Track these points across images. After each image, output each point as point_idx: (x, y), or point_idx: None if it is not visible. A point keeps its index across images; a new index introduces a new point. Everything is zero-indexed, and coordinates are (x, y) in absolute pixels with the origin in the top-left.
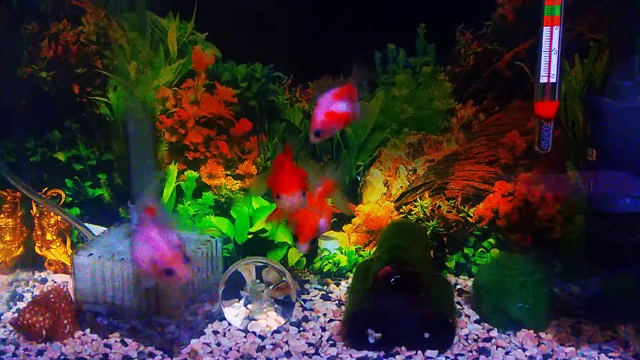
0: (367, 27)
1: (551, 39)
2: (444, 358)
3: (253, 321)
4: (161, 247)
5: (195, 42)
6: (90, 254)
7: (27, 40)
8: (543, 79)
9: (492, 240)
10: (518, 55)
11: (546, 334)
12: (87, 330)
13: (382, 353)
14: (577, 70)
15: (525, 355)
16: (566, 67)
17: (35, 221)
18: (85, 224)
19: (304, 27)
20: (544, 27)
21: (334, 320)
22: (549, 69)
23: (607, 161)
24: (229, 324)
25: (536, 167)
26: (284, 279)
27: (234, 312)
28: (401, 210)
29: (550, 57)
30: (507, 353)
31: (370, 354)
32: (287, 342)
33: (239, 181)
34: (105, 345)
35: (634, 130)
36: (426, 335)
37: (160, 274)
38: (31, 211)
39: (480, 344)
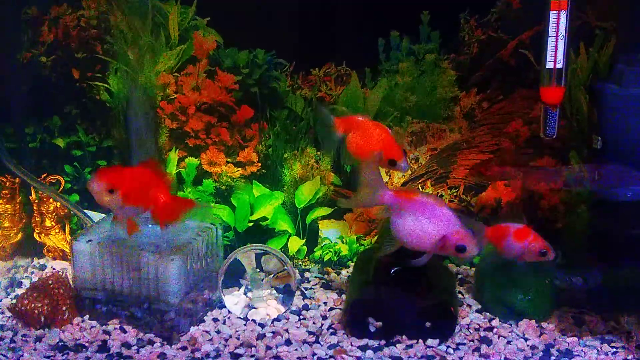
0: (371, 14)
1: (558, 23)
2: (445, 347)
3: (253, 309)
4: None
5: (197, 27)
6: (90, 240)
7: (27, 24)
8: (549, 65)
9: None
10: (522, 43)
11: (548, 324)
12: (86, 317)
13: (382, 342)
14: (582, 58)
15: (527, 345)
16: (571, 56)
17: (34, 207)
18: (85, 211)
19: (306, 14)
20: (551, 12)
21: (335, 308)
22: (555, 55)
23: (612, 149)
24: (229, 312)
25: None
26: (285, 267)
27: (234, 300)
28: None
29: (557, 42)
30: (508, 342)
31: (371, 342)
32: (287, 330)
33: (239, 168)
34: (104, 332)
35: (637, 118)
36: (427, 324)
37: (451, 250)
38: (30, 197)
39: (482, 334)
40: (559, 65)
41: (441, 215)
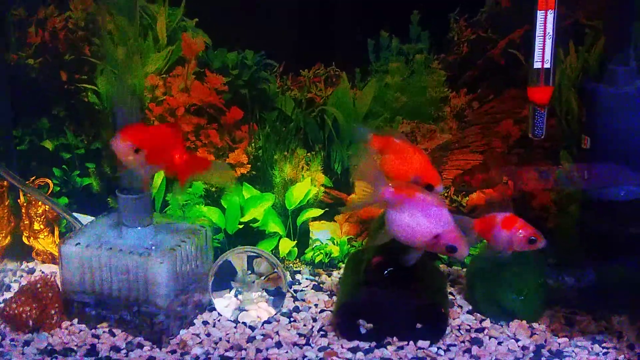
0: (360, 14)
1: (545, 23)
2: (436, 348)
3: (243, 312)
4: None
5: (185, 28)
6: (78, 243)
7: (13, 26)
8: (537, 64)
9: None
10: (512, 43)
11: (539, 324)
12: (75, 321)
13: (373, 343)
14: (571, 57)
15: (518, 346)
16: (561, 55)
17: (23, 210)
18: (74, 214)
19: (296, 14)
20: (539, 11)
21: (326, 310)
22: (543, 54)
23: (601, 148)
24: (219, 315)
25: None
26: (275, 269)
27: (224, 303)
28: None
29: (544, 41)
30: (499, 343)
31: (362, 344)
32: (277, 333)
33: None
34: (93, 335)
35: (628, 116)
36: (418, 325)
37: (442, 249)
38: (19, 200)
39: (473, 335)
40: (547, 65)
41: (438, 214)
